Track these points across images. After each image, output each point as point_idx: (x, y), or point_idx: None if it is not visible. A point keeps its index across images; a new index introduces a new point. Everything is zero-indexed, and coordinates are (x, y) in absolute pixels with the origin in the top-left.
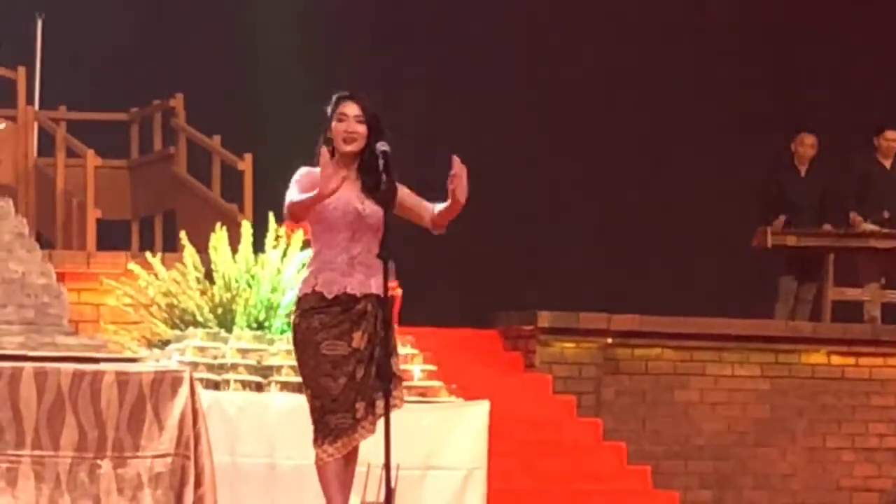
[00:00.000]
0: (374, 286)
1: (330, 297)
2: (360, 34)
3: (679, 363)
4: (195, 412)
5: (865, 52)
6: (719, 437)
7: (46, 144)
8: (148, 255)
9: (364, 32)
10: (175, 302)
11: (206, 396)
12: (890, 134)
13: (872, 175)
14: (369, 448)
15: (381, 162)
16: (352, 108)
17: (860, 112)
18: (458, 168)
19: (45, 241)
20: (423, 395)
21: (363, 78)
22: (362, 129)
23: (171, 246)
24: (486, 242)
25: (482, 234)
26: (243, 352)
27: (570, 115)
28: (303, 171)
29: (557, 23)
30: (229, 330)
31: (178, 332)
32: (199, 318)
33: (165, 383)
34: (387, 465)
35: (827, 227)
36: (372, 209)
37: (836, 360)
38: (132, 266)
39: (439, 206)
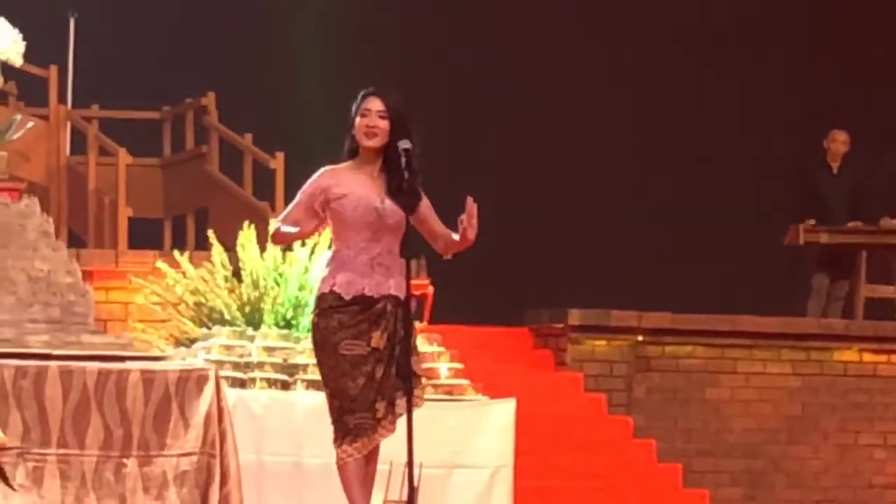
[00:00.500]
0: (393, 287)
1: (347, 297)
2: (391, 32)
3: (710, 361)
4: (220, 410)
5: None
6: (750, 434)
7: (78, 143)
8: (176, 253)
9: (396, 30)
10: (203, 300)
11: (232, 395)
12: None
13: None
14: (393, 446)
15: (402, 160)
16: (375, 104)
17: (894, 109)
18: (471, 207)
19: (77, 239)
20: (449, 393)
21: (395, 76)
22: (384, 124)
23: (203, 244)
24: (516, 240)
25: (513, 231)
26: (269, 350)
27: (603, 111)
28: (322, 171)
29: (587, 21)
30: (257, 328)
31: (205, 331)
32: (227, 317)
33: (191, 382)
34: (409, 464)
35: (858, 224)
36: (392, 209)
37: (868, 357)
38: (160, 264)
39: (452, 236)
